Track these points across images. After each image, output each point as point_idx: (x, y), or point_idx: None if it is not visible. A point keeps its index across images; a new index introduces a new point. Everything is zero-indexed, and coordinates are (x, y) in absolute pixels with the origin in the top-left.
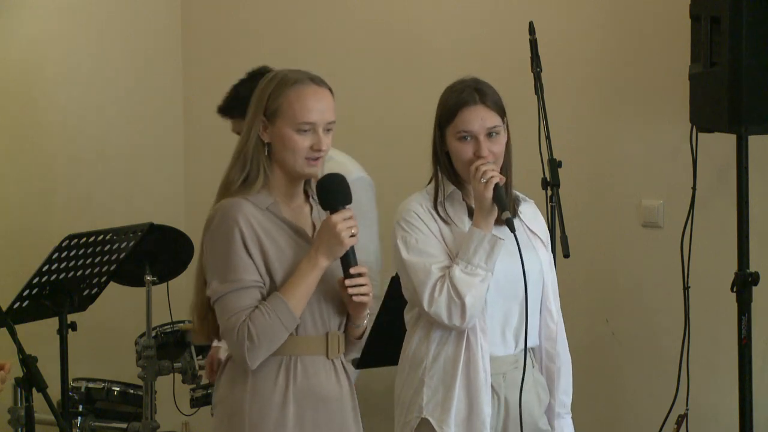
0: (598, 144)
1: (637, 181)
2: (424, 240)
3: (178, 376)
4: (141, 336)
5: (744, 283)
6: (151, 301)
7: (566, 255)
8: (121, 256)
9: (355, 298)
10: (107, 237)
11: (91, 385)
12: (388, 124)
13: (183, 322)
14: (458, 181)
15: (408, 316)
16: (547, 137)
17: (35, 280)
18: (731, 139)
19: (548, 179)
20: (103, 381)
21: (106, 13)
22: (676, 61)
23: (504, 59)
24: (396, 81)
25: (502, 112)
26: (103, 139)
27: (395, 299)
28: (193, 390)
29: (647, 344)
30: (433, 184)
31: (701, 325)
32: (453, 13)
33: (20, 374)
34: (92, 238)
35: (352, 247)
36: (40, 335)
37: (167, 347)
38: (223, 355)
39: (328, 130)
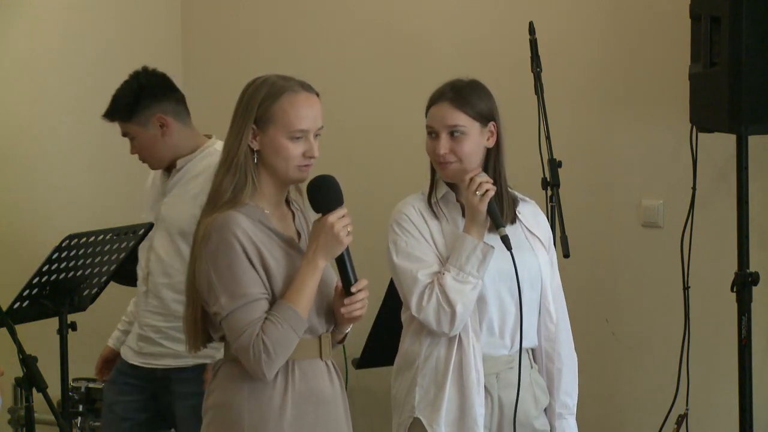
0: (598, 144)
1: (637, 181)
2: (415, 244)
3: None
4: None
5: (744, 283)
6: None
7: (566, 255)
8: (121, 256)
9: (354, 314)
10: (107, 237)
11: (91, 385)
12: (388, 124)
13: None
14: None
15: (403, 316)
16: (547, 137)
17: (35, 280)
18: (731, 139)
19: (548, 179)
20: (103, 381)
21: (105, 14)
22: (676, 61)
23: (504, 59)
24: (396, 81)
25: (479, 116)
26: (103, 139)
27: (395, 299)
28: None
29: (647, 344)
30: (427, 185)
31: (701, 325)
32: (453, 13)
33: (20, 374)
34: (92, 238)
35: (348, 252)
36: (40, 335)
37: None
38: None
39: (317, 135)
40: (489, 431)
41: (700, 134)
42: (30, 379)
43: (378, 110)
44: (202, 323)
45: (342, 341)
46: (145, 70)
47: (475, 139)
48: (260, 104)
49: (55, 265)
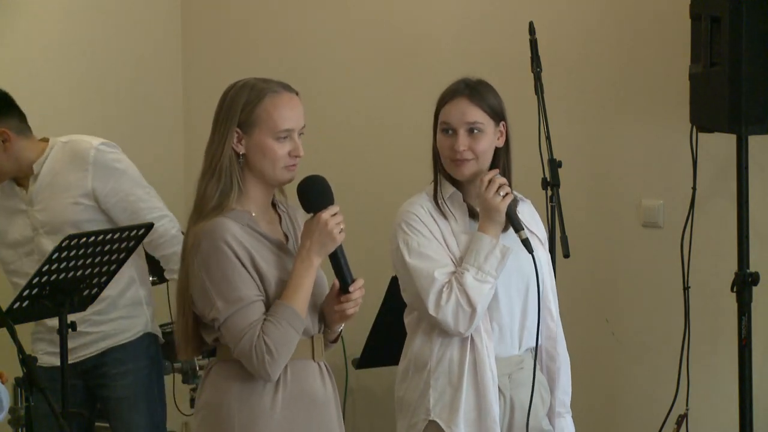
0: (598, 144)
1: (637, 181)
2: (427, 244)
3: (179, 376)
4: None
5: (744, 283)
6: None
7: (566, 255)
8: (122, 256)
9: (348, 312)
10: (107, 237)
11: None
12: (388, 124)
13: None
14: (457, 181)
15: (408, 318)
16: (547, 137)
17: (35, 280)
18: (731, 139)
19: (548, 179)
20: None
21: (105, 13)
22: (676, 61)
23: (504, 59)
24: (396, 81)
25: (494, 113)
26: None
27: (396, 299)
28: (193, 390)
29: (647, 344)
30: (431, 184)
31: (701, 325)
32: (453, 13)
33: (20, 374)
34: (92, 238)
35: (342, 250)
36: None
37: (167, 347)
38: None
39: (301, 134)
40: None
41: (700, 134)
42: (30, 379)
43: (378, 110)
44: (194, 329)
45: (335, 341)
46: None
47: (490, 137)
48: (243, 108)
49: (55, 265)
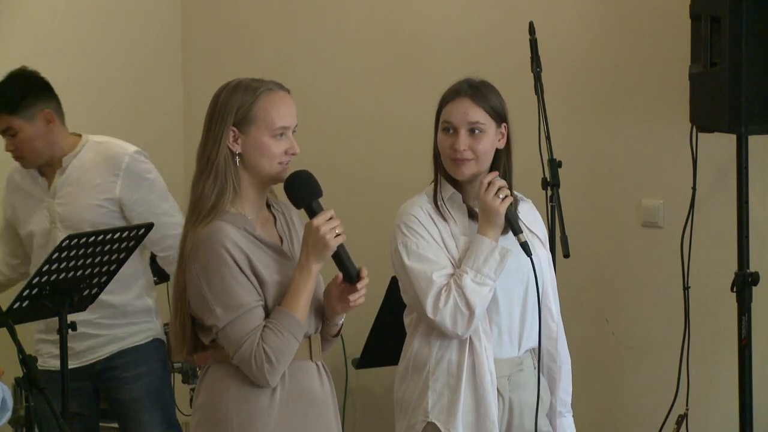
0: (598, 144)
1: (637, 181)
2: (425, 246)
3: (178, 376)
4: None
5: (744, 283)
6: None
7: (566, 255)
8: (122, 256)
9: (358, 302)
10: (107, 237)
11: None
12: (388, 124)
13: None
14: (457, 182)
15: (407, 319)
16: (547, 137)
17: (35, 280)
18: (731, 139)
19: (548, 179)
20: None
21: (105, 13)
22: (676, 61)
23: (504, 59)
24: (395, 80)
25: (496, 114)
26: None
27: (396, 299)
28: (192, 390)
29: (647, 344)
30: (431, 185)
31: (701, 325)
32: (453, 13)
33: (20, 374)
34: (92, 238)
35: (343, 246)
36: None
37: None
38: None
39: (293, 132)
40: None
41: (700, 134)
42: (30, 379)
43: (378, 110)
44: (191, 331)
45: (337, 334)
46: (27, 69)
47: (491, 138)
48: (239, 107)
49: (55, 265)
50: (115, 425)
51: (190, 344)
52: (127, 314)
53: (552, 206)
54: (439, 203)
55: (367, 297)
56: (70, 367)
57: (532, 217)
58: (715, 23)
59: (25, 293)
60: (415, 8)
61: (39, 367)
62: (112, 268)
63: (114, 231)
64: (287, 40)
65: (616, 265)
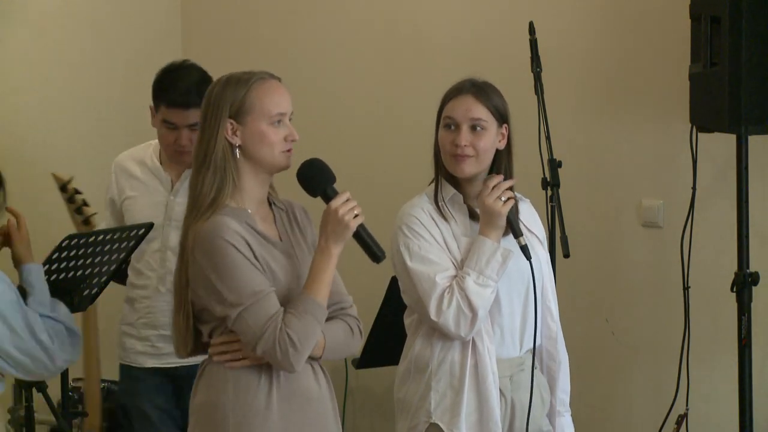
0: (598, 144)
1: (637, 181)
2: (428, 247)
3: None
4: None
5: (744, 283)
6: None
7: (566, 255)
8: (121, 256)
9: None
10: (107, 237)
11: None
12: (388, 124)
13: None
14: (457, 182)
15: (408, 320)
16: (547, 137)
17: None
18: (731, 139)
19: (548, 179)
20: (103, 381)
21: (105, 13)
22: (676, 61)
23: (504, 59)
24: (395, 81)
25: (498, 114)
26: (103, 139)
27: (395, 300)
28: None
29: (647, 344)
30: (433, 185)
31: (701, 325)
32: (453, 13)
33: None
34: (92, 238)
35: (363, 226)
36: None
37: None
38: None
39: (290, 119)
40: None
41: (700, 134)
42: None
43: (378, 110)
44: (193, 327)
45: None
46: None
47: (492, 137)
48: (233, 99)
49: (55, 265)
50: None
51: (193, 341)
52: None
53: (552, 206)
54: (440, 203)
55: (367, 297)
56: (154, 366)
57: (531, 217)
58: (715, 23)
59: None
60: (415, 8)
61: (121, 363)
62: (112, 268)
63: (114, 231)
64: (287, 40)
65: (616, 265)
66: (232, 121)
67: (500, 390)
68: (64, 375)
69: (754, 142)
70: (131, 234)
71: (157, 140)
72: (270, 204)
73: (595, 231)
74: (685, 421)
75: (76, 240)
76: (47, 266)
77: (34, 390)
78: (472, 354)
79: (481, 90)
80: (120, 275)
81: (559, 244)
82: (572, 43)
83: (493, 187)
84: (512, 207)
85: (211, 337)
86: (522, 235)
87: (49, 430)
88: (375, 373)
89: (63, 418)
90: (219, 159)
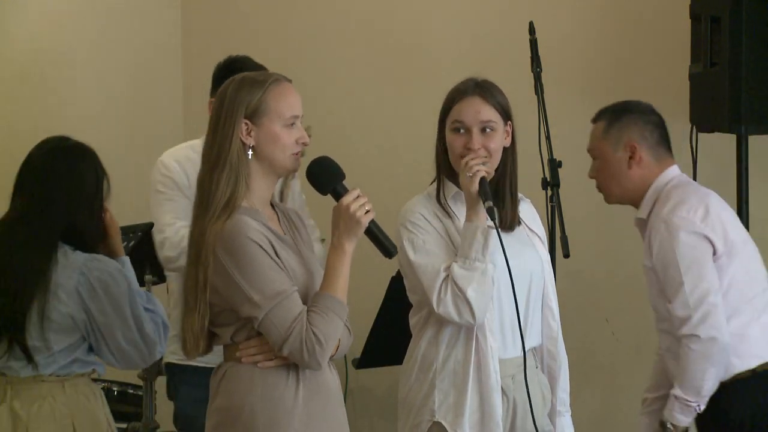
0: None
1: None
2: (431, 241)
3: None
4: None
5: None
6: None
7: (566, 255)
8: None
9: None
10: None
11: None
12: (388, 125)
13: None
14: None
15: (414, 320)
16: (547, 137)
17: None
18: (731, 139)
19: (548, 179)
20: (103, 381)
21: (105, 13)
22: (676, 61)
23: (504, 59)
24: (395, 81)
25: (503, 112)
26: (103, 139)
27: (395, 300)
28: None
29: (647, 344)
30: (435, 184)
31: None
32: (453, 14)
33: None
34: None
35: (374, 222)
36: None
37: None
38: None
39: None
40: None
41: (700, 134)
42: None
43: (378, 110)
44: (208, 328)
45: None
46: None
47: (501, 136)
48: (249, 100)
49: None
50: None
51: (207, 341)
52: None
53: (552, 206)
54: (442, 202)
55: (367, 297)
56: (201, 365)
57: (531, 217)
58: (715, 23)
59: None
60: (415, 9)
61: (177, 363)
62: None
63: None
64: (287, 40)
65: (616, 265)
66: (247, 121)
67: (503, 389)
68: None
69: (754, 142)
70: (131, 234)
71: (198, 141)
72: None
73: (595, 231)
74: None
75: None
76: None
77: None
78: (475, 352)
79: (487, 90)
80: None
81: (559, 244)
82: (572, 43)
83: (465, 165)
84: (483, 179)
85: (232, 340)
86: (489, 200)
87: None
88: (375, 373)
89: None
90: (234, 159)
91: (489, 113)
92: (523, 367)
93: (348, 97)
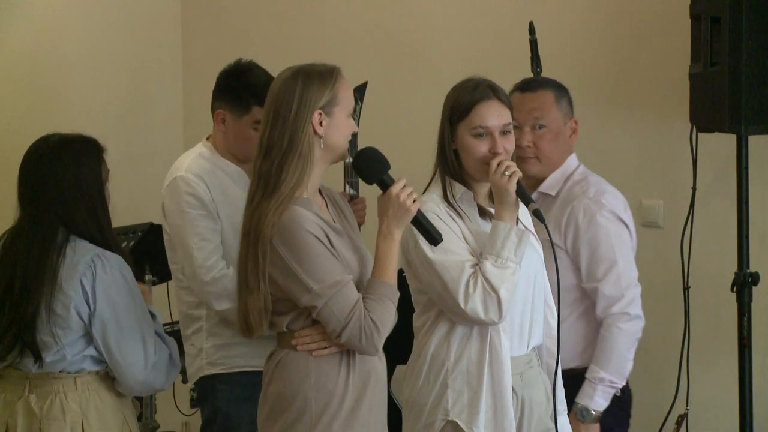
0: (597, 144)
1: (637, 181)
2: (449, 239)
3: (179, 376)
4: None
5: (744, 283)
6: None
7: None
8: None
9: None
10: None
11: None
12: (388, 124)
13: None
14: (465, 181)
15: (420, 320)
16: None
17: None
18: (731, 139)
19: None
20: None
21: (106, 13)
22: (676, 61)
23: (504, 59)
24: (396, 81)
25: (512, 110)
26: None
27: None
28: (192, 390)
29: (647, 344)
30: (438, 185)
31: (701, 325)
32: (453, 14)
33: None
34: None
35: (420, 211)
36: None
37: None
38: None
39: None
40: None
41: (700, 134)
42: None
43: (378, 110)
44: (269, 309)
45: None
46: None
47: (513, 136)
48: (323, 91)
49: None
50: None
51: (267, 323)
52: None
53: None
54: (451, 202)
55: None
56: (251, 369)
57: (524, 214)
58: (715, 23)
59: None
60: (415, 9)
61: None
62: None
63: (114, 231)
64: (287, 41)
65: None
66: (320, 112)
67: (513, 387)
68: None
69: (754, 142)
70: (131, 234)
71: (201, 146)
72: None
73: None
74: (685, 421)
75: None
76: None
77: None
78: (489, 351)
79: (500, 92)
80: None
81: None
82: (572, 43)
83: (498, 165)
84: (519, 180)
85: (288, 328)
86: (533, 201)
87: None
88: None
89: None
90: (305, 148)
91: (508, 115)
92: (529, 366)
93: None
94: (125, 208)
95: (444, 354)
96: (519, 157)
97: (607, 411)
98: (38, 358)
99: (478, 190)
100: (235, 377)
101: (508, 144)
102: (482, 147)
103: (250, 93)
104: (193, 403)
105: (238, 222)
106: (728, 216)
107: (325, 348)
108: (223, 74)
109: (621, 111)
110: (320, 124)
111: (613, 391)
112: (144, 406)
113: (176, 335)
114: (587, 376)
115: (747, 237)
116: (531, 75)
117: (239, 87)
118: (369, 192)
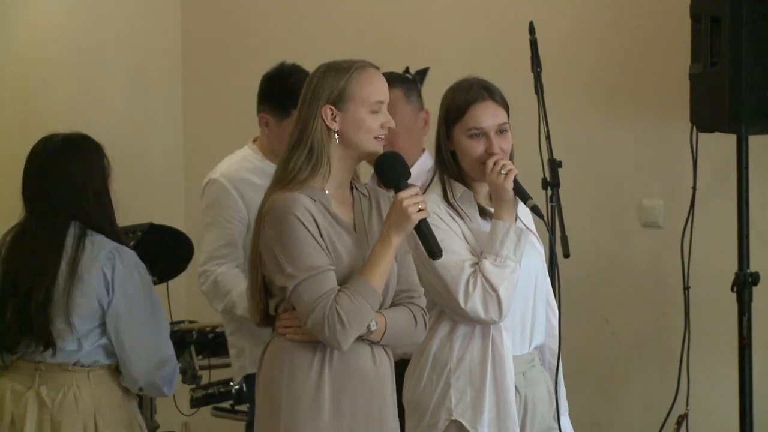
0: (598, 144)
1: (637, 181)
2: (449, 239)
3: (179, 376)
4: None
5: (744, 283)
6: None
7: (566, 255)
8: None
9: None
10: None
11: None
12: None
13: (183, 322)
14: (465, 181)
15: None
16: (547, 137)
17: None
18: (731, 139)
19: (548, 179)
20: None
21: (105, 13)
22: (676, 61)
23: (504, 59)
24: None
25: (508, 110)
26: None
27: None
28: (193, 390)
29: (647, 344)
30: (438, 185)
31: (701, 325)
32: (453, 13)
33: None
34: None
35: (426, 222)
36: None
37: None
38: None
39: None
40: None
41: (700, 134)
42: None
43: None
44: (262, 291)
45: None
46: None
47: (511, 134)
48: (333, 86)
49: None
50: None
51: (263, 307)
52: None
53: (552, 206)
54: (451, 201)
55: None
56: None
57: (525, 213)
58: (715, 23)
59: None
60: (415, 9)
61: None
62: None
63: None
64: (287, 41)
65: (616, 265)
66: (331, 107)
67: (515, 386)
68: None
69: (754, 142)
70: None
71: (247, 148)
72: (351, 189)
73: (595, 231)
74: (685, 421)
75: None
76: None
77: None
78: (492, 350)
79: (495, 92)
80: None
81: (559, 244)
82: (572, 43)
83: (494, 165)
84: (516, 177)
85: (276, 311)
86: (531, 198)
87: None
88: None
89: None
90: (316, 142)
91: (503, 115)
92: (531, 364)
93: None
94: (125, 208)
95: (446, 354)
96: None
97: None
98: (51, 345)
99: (478, 190)
100: None
101: (504, 143)
102: (478, 147)
103: (290, 97)
104: (194, 403)
105: None
106: (728, 216)
107: (300, 334)
108: (265, 78)
109: (621, 111)
110: (333, 119)
111: None
112: (144, 407)
113: (176, 335)
114: None
115: (747, 237)
116: (531, 75)
117: (279, 92)
118: None
